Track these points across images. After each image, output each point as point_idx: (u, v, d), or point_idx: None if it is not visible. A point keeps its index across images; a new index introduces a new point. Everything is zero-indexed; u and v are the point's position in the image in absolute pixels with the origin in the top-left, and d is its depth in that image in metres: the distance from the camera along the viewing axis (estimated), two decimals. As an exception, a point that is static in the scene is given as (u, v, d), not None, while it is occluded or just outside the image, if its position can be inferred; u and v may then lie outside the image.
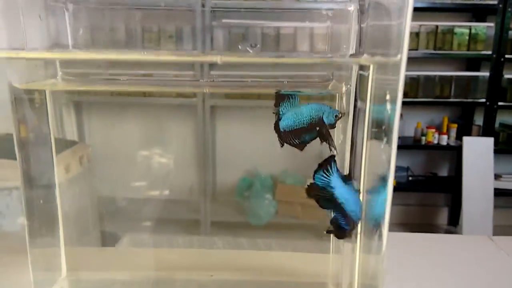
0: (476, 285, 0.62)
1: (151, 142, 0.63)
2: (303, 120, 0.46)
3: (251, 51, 0.48)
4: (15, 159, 0.47)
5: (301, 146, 0.46)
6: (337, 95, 0.52)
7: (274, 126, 0.46)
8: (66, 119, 0.54)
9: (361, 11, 0.47)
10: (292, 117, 0.46)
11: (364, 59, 0.47)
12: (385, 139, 0.43)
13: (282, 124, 0.46)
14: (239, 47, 0.48)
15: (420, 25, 2.36)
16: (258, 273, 0.58)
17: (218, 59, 0.44)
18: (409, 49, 0.40)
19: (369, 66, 0.47)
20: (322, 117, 0.46)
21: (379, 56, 0.46)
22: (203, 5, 0.52)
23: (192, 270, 0.58)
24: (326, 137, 0.46)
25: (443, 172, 2.70)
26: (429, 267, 0.65)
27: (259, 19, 0.54)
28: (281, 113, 0.46)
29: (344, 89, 0.50)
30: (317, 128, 0.46)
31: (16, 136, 0.47)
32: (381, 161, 0.44)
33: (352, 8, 0.48)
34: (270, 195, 0.71)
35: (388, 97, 0.42)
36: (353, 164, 0.49)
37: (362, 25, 0.47)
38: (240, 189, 0.69)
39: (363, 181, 0.48)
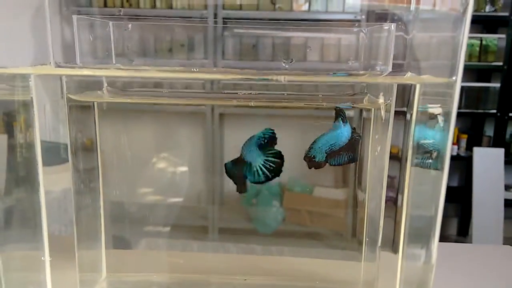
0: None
1: (160, 149, 0.64)
2: (343, 140, 0.44)
3: (286, 66, 0.47)
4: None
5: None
6: (372, 110, 0.49)
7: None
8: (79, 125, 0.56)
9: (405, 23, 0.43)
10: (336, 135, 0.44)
11: (409, 78, 0.43)
12: (433, 169, 0.39)
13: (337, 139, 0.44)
14: (283, 64, 0.47)
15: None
16: (290, 279, 0.59)
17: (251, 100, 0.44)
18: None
19: (414, 86, 0.42)
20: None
21: (426, 74, 0.41)
22: (215, 15, 0.53)
23: (225, 273, 0.59)
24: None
25: (453, 182, 2.68)
26: (450, 277, 0.65)
27: (273, 29, 0.55)
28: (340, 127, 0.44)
29: (381, 101, 0.47)
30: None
31: (70, 144, 0.49)
32: (428, 190, 0.41)
33: (392, 26, 0.45)
34: (277, 203, 0.71)
35: (439, 120, 0.38)
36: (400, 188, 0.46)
37: (406, 37, 0.43)
38: (247, 196, 0.70)
39: (406, 206, 0.46)
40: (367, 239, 0.53)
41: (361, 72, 0.49)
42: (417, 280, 0.46)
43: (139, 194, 0.63)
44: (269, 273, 0.60)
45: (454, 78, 0.35)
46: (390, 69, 0.46)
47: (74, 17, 0.48)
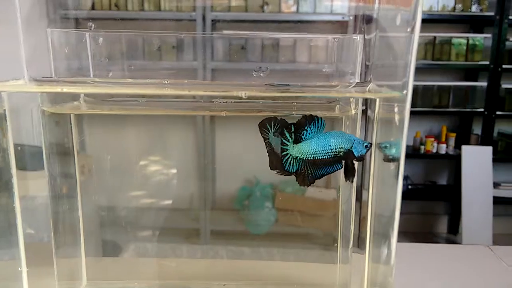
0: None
1: (151, 152, 0.63)
2: (330, 150, 0.40)
3: (262, 75, 0.47)
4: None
5: (310, 180, 0.41)
6: (343, 118, 0.50)
7: (271, 153, 0.41)
8: (68, 129, 0.55)
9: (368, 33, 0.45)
10: (316, 144, 0.40)
11: (370, 93, 0.45)
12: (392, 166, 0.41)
13: (303, 150, 0.40)
14: (254, 74, 0.48)
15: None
16: (269, 283, 0.59)
17: (224, 112, 0.44)
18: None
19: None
20: (352, 148, 0.40)
21: (385, 87, 0.44)
22: (203, 17, 0.53)
23: (205, 279, 0.59)
24: (352, 173, 0.41)
25: (442, 180, 2.70)
26: (429, 277, 0.65)
27: (260, 30, 0.55)
28: (303, 136, 0.40)
29: (353, 111, 0.48)
30: (343, 162, 0.41)
31: (45, 150, 0.49)
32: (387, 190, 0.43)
33: (358, 38, 0.47)
34: (269, 204, 0.71)
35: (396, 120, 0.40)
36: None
37: (368, 37, 0.45)
38: (239, 198, 0.70)
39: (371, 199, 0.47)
40: (336, 241, 0.54)
41: (333, 83, 0.51)
42: (380, 279, 0.47)
43: (127, 198, 0.63)
44: (250, 278, 0.60)
45: (404, 92, 0.38)
46: (357, 79, 0.47)
47: (48, 30, 0.47)
